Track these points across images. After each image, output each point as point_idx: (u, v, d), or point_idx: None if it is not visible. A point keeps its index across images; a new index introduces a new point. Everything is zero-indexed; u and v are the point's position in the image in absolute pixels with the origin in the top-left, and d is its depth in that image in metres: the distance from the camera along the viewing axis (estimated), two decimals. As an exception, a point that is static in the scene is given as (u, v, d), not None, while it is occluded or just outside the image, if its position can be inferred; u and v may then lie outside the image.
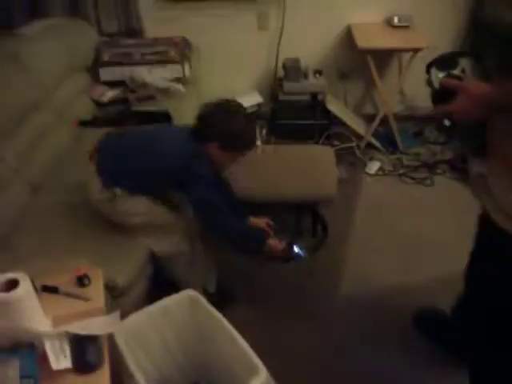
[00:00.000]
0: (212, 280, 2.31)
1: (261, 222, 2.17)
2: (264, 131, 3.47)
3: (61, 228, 2.05)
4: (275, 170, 2.50)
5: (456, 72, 1.38)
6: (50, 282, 1.48)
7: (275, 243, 2.01)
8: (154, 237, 2.06)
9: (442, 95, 1.35)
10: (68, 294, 1.46)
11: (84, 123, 2.81)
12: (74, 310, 1.40)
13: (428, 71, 1.42)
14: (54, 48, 2.67)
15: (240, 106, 2.07)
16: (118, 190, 1.92)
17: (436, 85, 1.39)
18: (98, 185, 1.93)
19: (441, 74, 1.39)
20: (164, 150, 1.94)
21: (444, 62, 1.41)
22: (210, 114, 1.94)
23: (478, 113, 1.27)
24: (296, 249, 2.03)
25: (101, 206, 2.00)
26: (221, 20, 3.50)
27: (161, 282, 2.22)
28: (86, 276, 1.50)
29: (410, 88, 3.62)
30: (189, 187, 1.91)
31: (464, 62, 1.39)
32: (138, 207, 2.00)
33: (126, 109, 2.91)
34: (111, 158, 1.97)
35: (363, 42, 3.20)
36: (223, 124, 1.92)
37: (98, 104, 2.96)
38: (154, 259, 2.12)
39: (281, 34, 3.51)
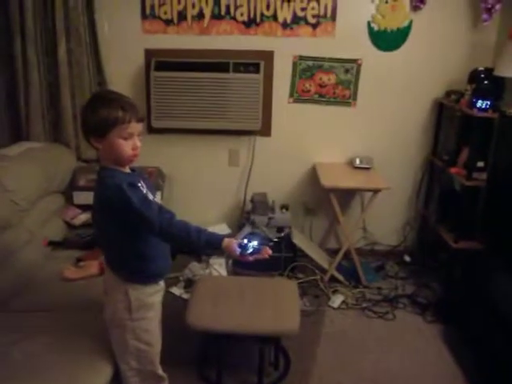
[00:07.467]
0: None
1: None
2: (230, 262, 3.53)
3: (19, 351, 1.97)
4: (238, 302, 2.51)
5: None
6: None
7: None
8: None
9: None
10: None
11: (53, 243, 2.84)
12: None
13: None
14: (31, 169, 2.75)
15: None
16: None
17: None
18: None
19: None
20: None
21: None
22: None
23: None
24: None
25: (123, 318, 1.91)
26: (194, 154, 3.72)
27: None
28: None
29: (371, 224, 3.82)
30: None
31: None
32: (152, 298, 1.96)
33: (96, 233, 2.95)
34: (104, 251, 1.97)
35: (327, 180, 3.37)
36: (86, 119, 1.80)
37: (70, 226, 3.02)
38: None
39: (250, 170, 3.73)
